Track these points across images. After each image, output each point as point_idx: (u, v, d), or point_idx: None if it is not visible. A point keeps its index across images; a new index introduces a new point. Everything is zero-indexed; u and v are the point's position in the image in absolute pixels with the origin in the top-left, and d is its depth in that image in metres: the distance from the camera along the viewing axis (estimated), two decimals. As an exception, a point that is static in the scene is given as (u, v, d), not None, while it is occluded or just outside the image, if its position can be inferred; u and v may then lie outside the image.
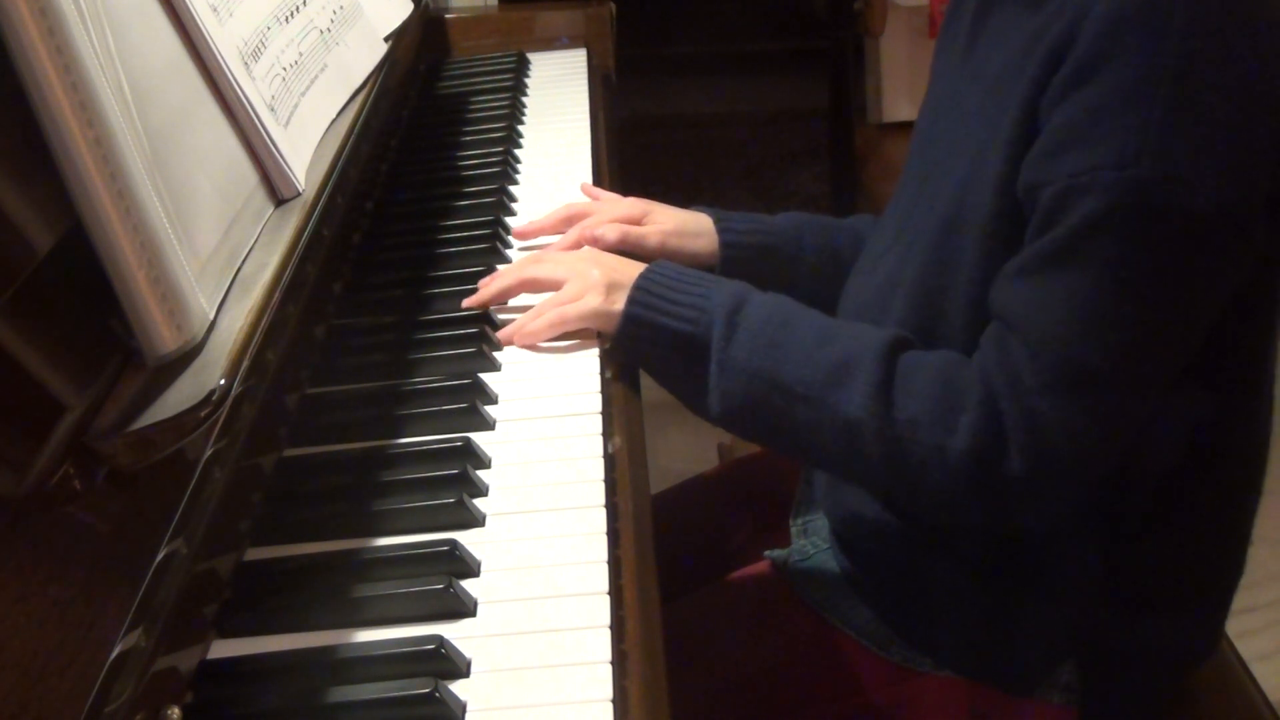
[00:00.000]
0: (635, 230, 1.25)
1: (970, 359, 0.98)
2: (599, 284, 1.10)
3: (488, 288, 1.18)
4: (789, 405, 1.01)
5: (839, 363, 0.99)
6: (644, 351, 1.09)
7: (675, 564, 1.25)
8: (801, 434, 1.01)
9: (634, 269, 1.10)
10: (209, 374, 0.80)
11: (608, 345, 1.11)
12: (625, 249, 1.22)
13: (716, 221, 1.28)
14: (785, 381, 1.00)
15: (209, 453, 0.81)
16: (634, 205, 1.29)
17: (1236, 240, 0.92)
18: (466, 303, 1.17)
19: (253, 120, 1.02)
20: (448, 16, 1.91)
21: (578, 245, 1.24)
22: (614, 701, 0.77)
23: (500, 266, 1.26)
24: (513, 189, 1.45)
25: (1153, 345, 0.93)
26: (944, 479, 0.96)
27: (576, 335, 1.12)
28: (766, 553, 1.22)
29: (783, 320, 1.03)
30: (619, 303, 1.08)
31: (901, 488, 1.02)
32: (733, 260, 1.26)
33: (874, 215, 1.34)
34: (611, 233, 1.23)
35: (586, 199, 1.36)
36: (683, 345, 1.05)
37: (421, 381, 1.09)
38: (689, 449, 2.25)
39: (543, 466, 0.98)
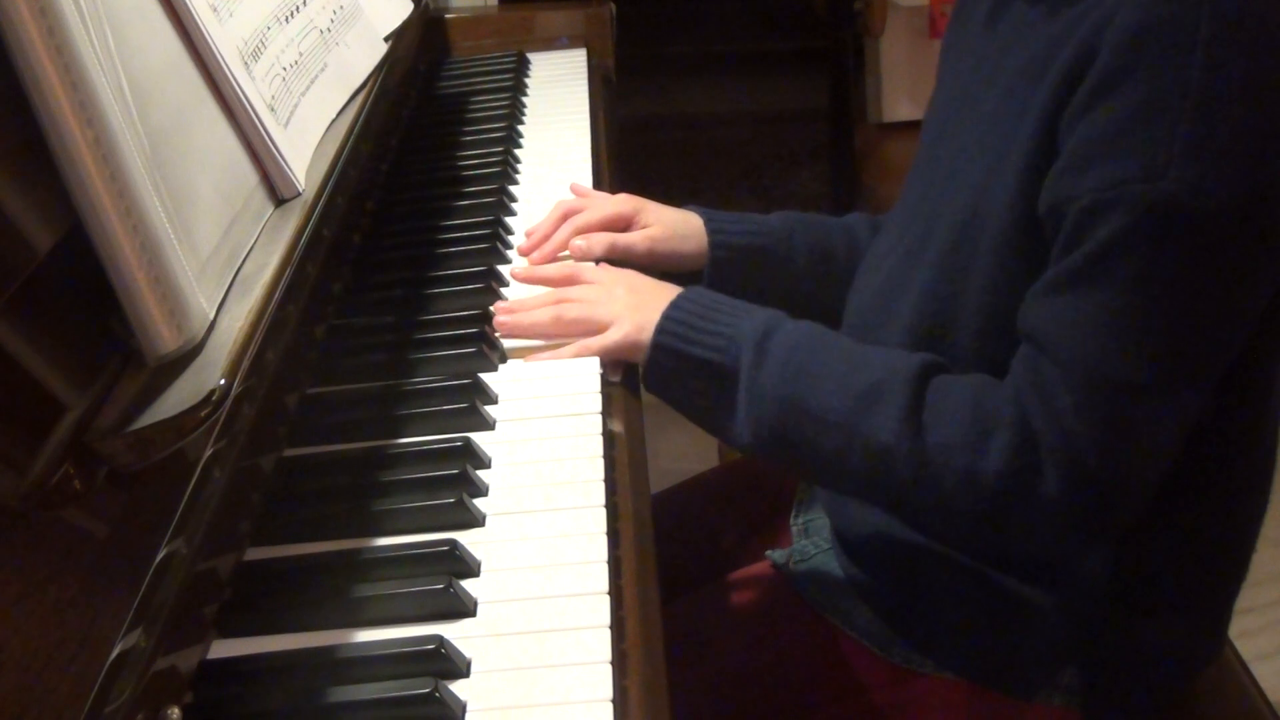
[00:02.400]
0: (623, 239, 1.24)
1: (1002, 381, 0.97)
2: (630, 314, 1.08)
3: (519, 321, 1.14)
4: (819, 433, 1.00)
5: (869, 389, 0.98)
6: (672, 382, 1.07)
7: (675, 564, 1.25)
8: (832, 462, 1.01)
9: (662, 297, 1.08)
10: (209, 374, 0.80)
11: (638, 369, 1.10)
12: (614, 258, 1.22)
13: (706, 222, 1.27)
14: (815, 409, 0.99)
15: (209, 453, 0.81)
16: (624, 203, 1.28)
17: (1265, 249, 0.92)
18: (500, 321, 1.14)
19: (253, 120, 1.02)
20: (448, 16, 1.91)
21: (566, 244, 1.24)
22: (614, 701, 0.76)
23: (500, 267, 1.27)
24: (513, 189, 1.45)
25: (1187, 359, 0.92)
26: (977, 504, 0.95)
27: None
28: (767, 553, 1.22)
29: (812, 347, 1.02)
30: (647, 334, 1.06)
31: (934, 514, 1.01)
32: (722, 262, 1.25)
33: (870, 215, 1.33)
34: (599, 244, 1.23)
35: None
36: (712, 374, 1.04)
37: (421, 381, 1.09)
38: (689, 449, 2.25)
39: (543, 466, 0.98)
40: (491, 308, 1.15)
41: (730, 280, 1.23)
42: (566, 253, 1.26)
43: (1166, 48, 0.88)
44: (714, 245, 1.26)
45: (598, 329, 1.09)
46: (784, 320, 1.05)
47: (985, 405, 0.95)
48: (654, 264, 1.23)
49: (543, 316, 1.12)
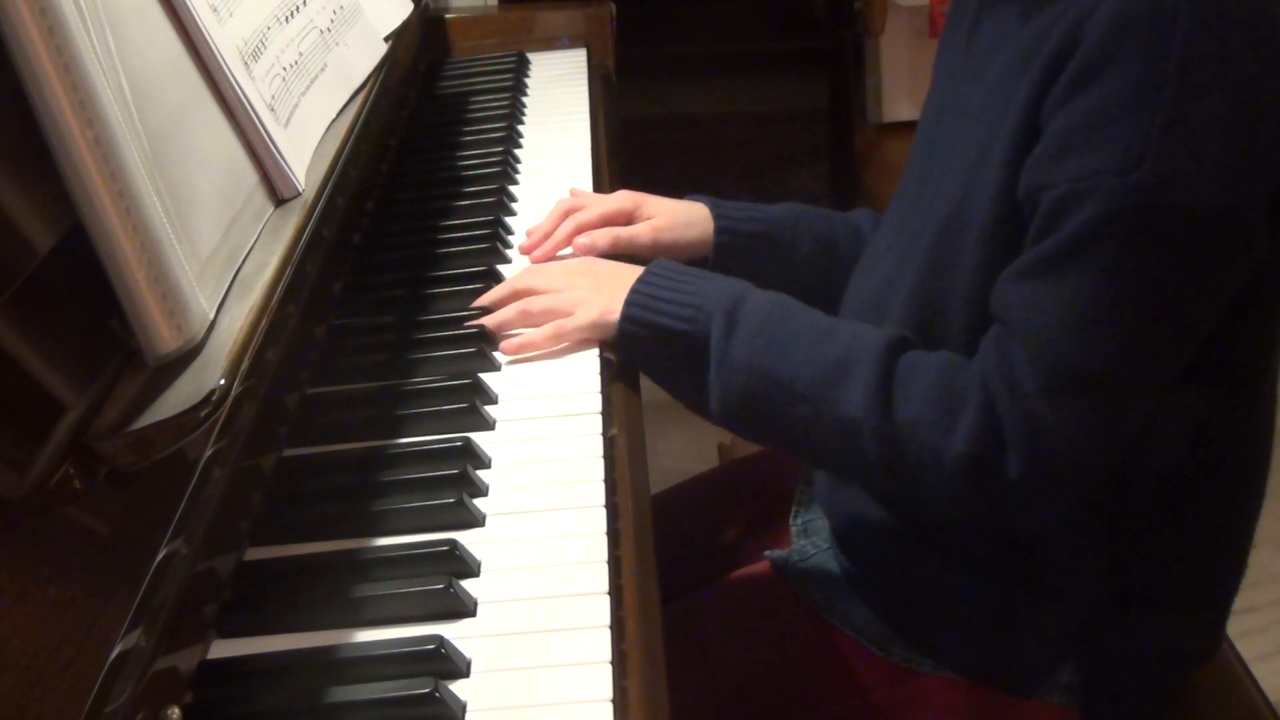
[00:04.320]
0: (626, 232, 1.24)
1: (970, 361, 0.98)
2: (594, 295, 1.10)
3: (487, 303, 1.17)
4: (788, 404, 1.00)
5: (838, 361, 0.99)
6: (643, 351, 1.09)
7: (675, 564, 1.25)
8: (800, 432, 1.01)
9: (632, 274, 1.10)
10: (209, 374, 0.80)
11: (608, 350, 1.11)
12: (619, 251, 1.22)
13: (712, 209, 1.27)
14: (784, 380, 1.00)
15: (209, 453, 0.81)
16: (625, 199, 1.28)
17: (1237, 245, 0.92)
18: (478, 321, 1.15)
19: (253, 120, 1.02)
20: (448, 16, 1.91)
21: (570, 240, 1.24)
22: (614, 701, 0.77)
23: (500, 267, 1.27)
24: (513, 189, 1.45)
25: (1152, 350, 0.93)
26: (941, 480, 0.96)
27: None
28: (766, 553, 1.22)
29: (781, 318, 1.03)
30: (616, 310, 1.08)
31: (898, 488, 1.02)
32: (726, 248, 1.26)
33: (875, 210, 1.34)
34: (603, 239, 1.23)
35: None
36: (681, 344, 1.05)
37: (421, 381, 1.09)
38: (689, 449, 2.25)
39: (543, 466, 0.98)
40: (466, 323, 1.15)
41: (734, 267, 1.24)
42: (569, 250, 1.26)
43: (1145, 40, 0.88)
44: (719, 231, 1.26)
45: (565, 315, 1.10)
46: (752, 290, 1.06)
47: (953, 384, 0.96)
48: (659, 255, 1.23)
49: (510, 314, 1.14)
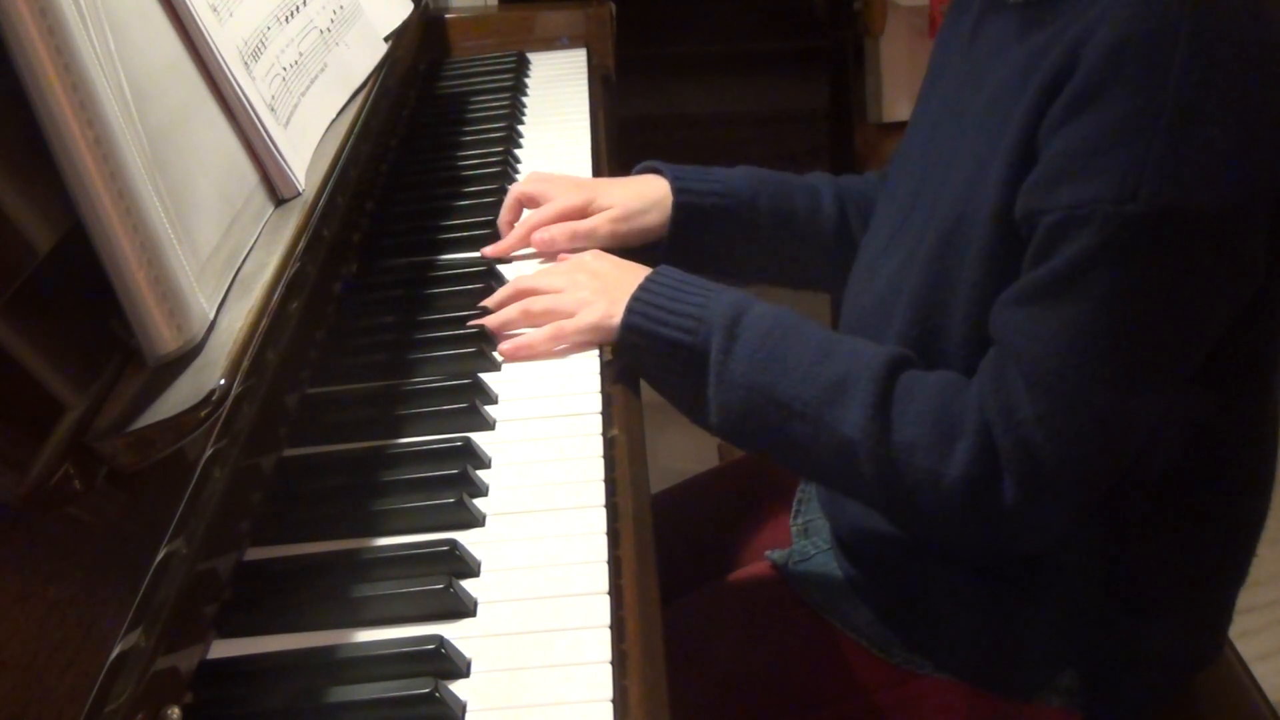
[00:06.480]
0: (584, 227, 1.24)
1: (969, 382, 0.97)
2: (597, 298, 1.10)
3: (490, 305, 1.17)
4: (785, 421, 1.00)
5: (836, 381, 0.99)
6: (643, 360, 1.08)
7: (675, 564, 1.25)
8: (798, 450, 1.01)
9: (634, 277, 1.09)
10: (209, 374, 0.80)
11: (608, 350, 1.11)
12: (578, 246, 1.22)
13: (672, 181, 1.27)
14: (782, 397, 1.00)
15: (209, 453, 0.81)
16: (578, 195, 1.27)
17: (1233, 271, 0.92)
18: (478, 321, 1.15)
19: (253, 120, 1.02)
20: (448, 16, 1.91)
21: (526, 241, 1.25)
22: (614, 701, 0.77)
23: (499, 266, 1.27)
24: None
25: (1148, 376, 0.93)
26: (937, 504, 0.96)
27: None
28: (767, 553, 1.22)
29: (782, 334, 1.03)
30: (617, 316, 1.07)
31: (896, 508, 1.01)
32: (685, 223, 1.25)
33: (831, 174, 1.33)
34: (561, 237, 1.23)
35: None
36: (681, 356, 1.04)
37: (421, 381, 1.09)
38: (689, 449, 2.25)
39: (543, 466, 0.98)
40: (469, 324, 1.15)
41: (692, 240, 1.24)
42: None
43: (1142, 66, 0.87)
44: (678, 207, 1.26)
45: (567, 316, 1.10)
46: (754, 303, 1.06)
47: (951, 408, 0.96)
48: (619, 244, 1.23)
49: (511, 313, 1.13)
